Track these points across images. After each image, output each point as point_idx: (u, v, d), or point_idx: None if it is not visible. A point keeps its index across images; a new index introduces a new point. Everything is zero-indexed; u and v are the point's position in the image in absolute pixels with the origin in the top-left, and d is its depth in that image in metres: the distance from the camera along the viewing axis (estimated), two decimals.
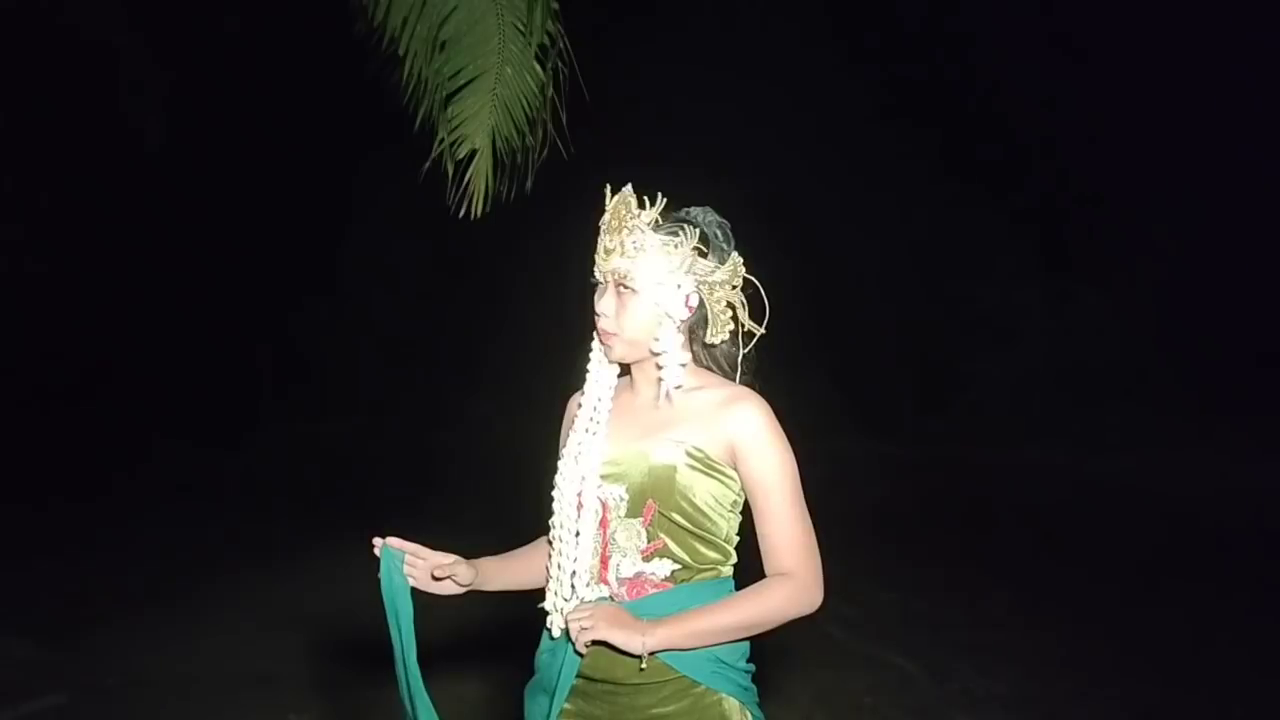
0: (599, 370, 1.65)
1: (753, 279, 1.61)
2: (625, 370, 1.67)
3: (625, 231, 1.55)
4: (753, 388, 1.60)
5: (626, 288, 1.55)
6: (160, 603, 5.06)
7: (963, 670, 4.33)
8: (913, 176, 11.89)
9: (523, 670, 1.67)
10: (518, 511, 2.24)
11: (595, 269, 1.59)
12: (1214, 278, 11.11)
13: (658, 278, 1.55)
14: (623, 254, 1.55)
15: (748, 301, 1.61)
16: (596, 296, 1.60)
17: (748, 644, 1.58)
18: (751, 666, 1.60)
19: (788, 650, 4.51)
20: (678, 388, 1.56)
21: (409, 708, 1.60)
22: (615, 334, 1.56)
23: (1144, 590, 5.60)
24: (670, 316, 1.56)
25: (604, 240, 1.58)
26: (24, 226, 9.57)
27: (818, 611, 1.56)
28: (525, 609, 1.68)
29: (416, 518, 5.81)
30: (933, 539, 6.91)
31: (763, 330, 1.61)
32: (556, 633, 1.59)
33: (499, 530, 1.76)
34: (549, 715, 1.54)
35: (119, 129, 9.00)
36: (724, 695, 1.52)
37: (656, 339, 1.55)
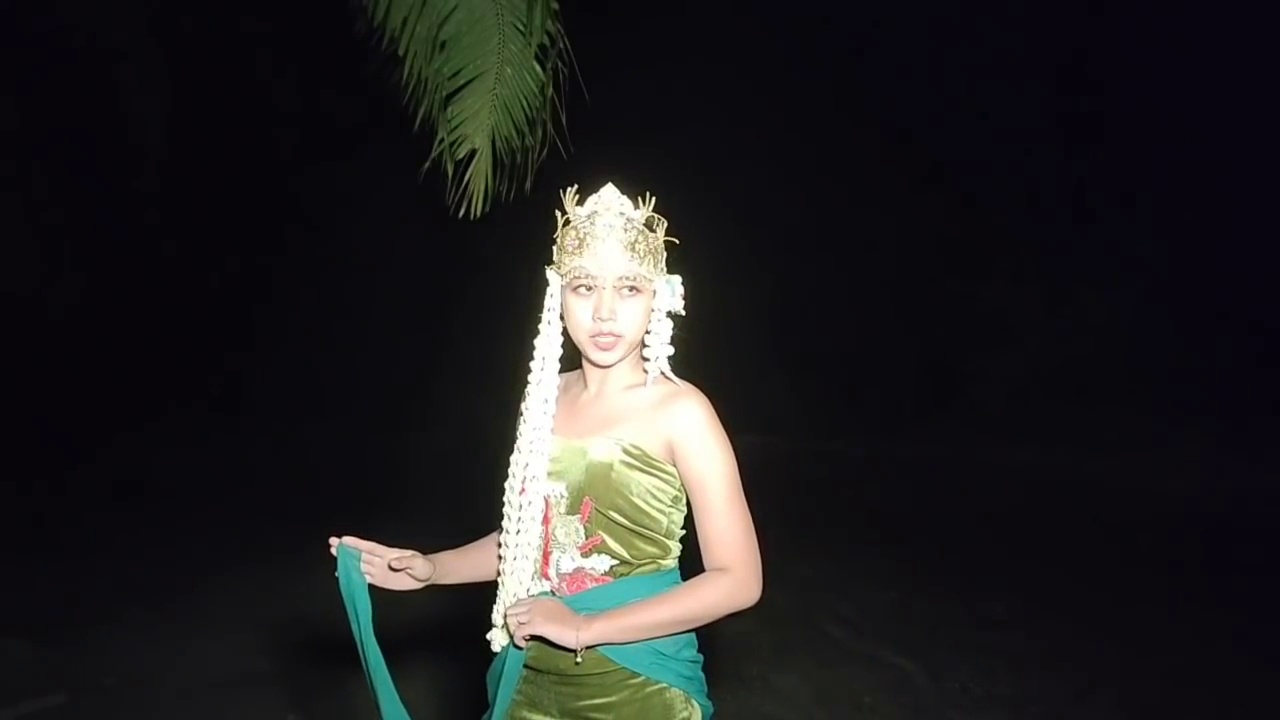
0: (545, 369, 1.64)
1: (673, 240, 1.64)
2: (573, 366, 1.69)
3: (624, 232, 1.55)
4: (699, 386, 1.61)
5: (634, 289, 1.56)
6: (160, 603, 5.05)
7: (962, 670, 4.33)
8: (912, 176, 11.88)
9: (486, 657, 1.71)
10: None
11: (581, 272, 1.56)
12: (1213, 277, 11.10)
13: (655, 274, 1.58)
14: (629, 259, 1.55)
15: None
16: (583, 299, 1.57)
17: (692, 635, 1.60)
18: (699, 657, 1.62)
19: (788, 650, 4.52)
20: (629, 370, 1.62)
21: (375, 701, 1.65)
22: (620, 338, 1.56)
23: (1143, 590, 5.60)
24: (672, 312, 1.59)
25: (595, 244, 1.55)
26: (27, 228, 9.57)
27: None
28: (485, 599, 1.71)
29: (414, 516, 5.83)
30: (932, 539, 6.91)
31: (683, 312, 1.63)
32: (496, 646, 1.65)
33: (494, 528, 1.78)
34: (499, 704, 1.59)
35: (119, 129, 9.01)
36: (666, 685, 1.55)
37: (649, 333, 1.59)
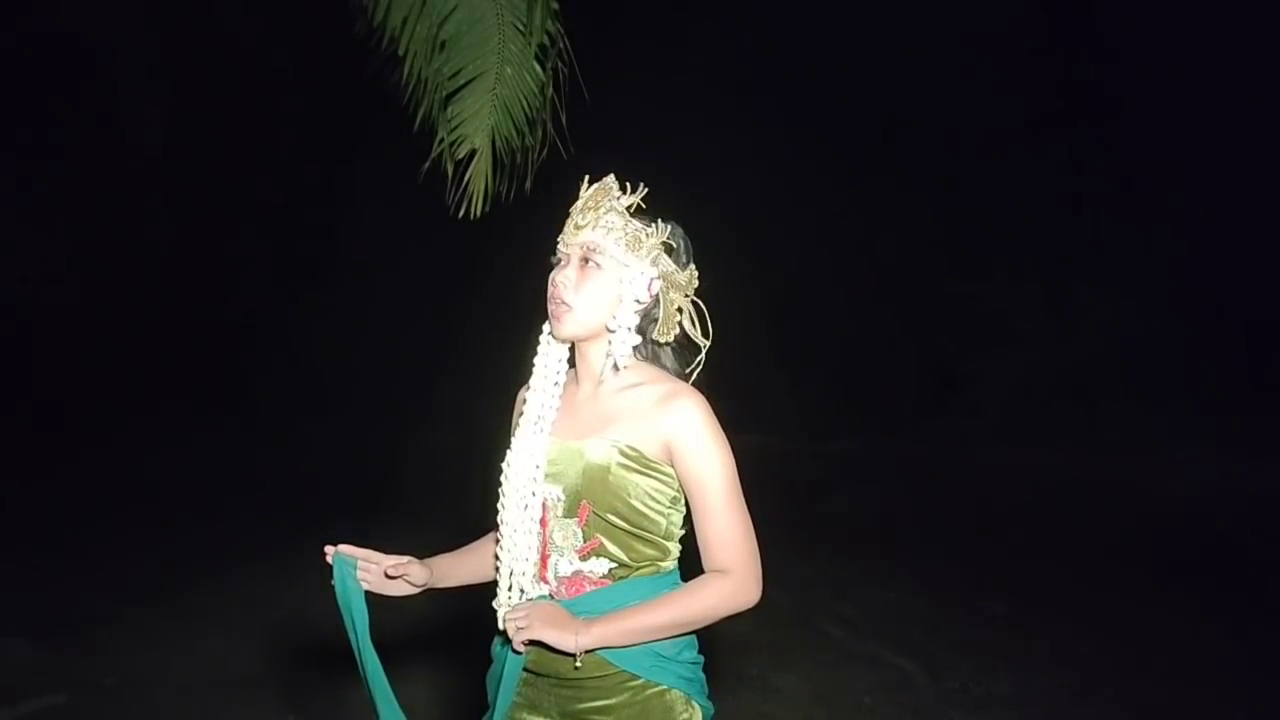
0: (547, 363, 1.64)
1: (699, 301, 1.62)
2: (570, 364, 1.68)
3: (601, 210, 1.57)
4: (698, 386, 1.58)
5: (593, 262, 1.55)
6: (160, 603, 5.05)
7: (962, 670, 4.33)
8: (912, 175, 11.88)
9: (486, 659, 1.71)
10: None
11: (560, 244, 1.60)
12: (1214, 277, 11.10)
13: (625, 259, 1.55)
14: (594, 228, 1.56)
15: (696, 317, 1.62)
16: (555, 270, 1.60)
17: (693, 636, 1.59)
18: (699, 658, 1.61)
19: (787, 650, 4.52)
20: (626, 368, 1.57)
21: (374, 708, 1.64)
22: (570, 308, 1.56)
23: (1143, 590, 5.60)
24: (631, 298, 1.56)
25: (575, 218, 1.58)
26: (27, 228, 9.57)
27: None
28: (484, 601, 1.71)
29: (413, 516, 5.83)
30: (932, 539, 6.90)
31: (707, 344, 1.61)
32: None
33: (491, 528, 1.77)
34: (498, 707, 1.58)
35: (118, 131, 9.01)
36: (667, 687, 1.54)
37: (614, 317, 1.56)
